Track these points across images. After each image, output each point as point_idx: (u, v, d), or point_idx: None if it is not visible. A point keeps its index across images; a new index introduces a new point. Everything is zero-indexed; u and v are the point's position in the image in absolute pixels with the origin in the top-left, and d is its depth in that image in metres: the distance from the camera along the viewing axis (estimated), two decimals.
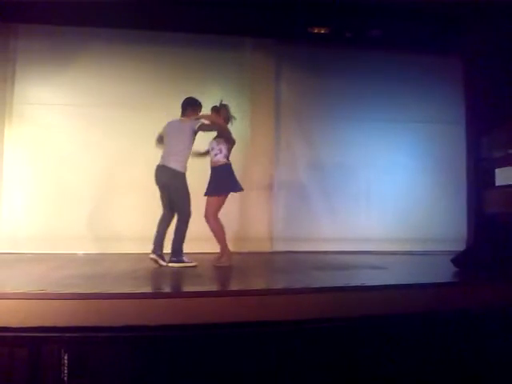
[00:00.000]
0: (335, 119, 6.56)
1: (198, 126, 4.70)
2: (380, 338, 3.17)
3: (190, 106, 4.85)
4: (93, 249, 5.82)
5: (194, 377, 2.92)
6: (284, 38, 6.31)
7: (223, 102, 4.89)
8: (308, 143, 6.56)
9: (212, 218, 4.78)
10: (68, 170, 6.01)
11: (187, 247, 4.76)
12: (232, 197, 5.51)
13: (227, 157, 4.85)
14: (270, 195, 6.48)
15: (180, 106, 4.84)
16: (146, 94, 6.13)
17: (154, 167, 4.73)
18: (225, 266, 4.72)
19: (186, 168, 4.71)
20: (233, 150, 5.18)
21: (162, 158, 4.73)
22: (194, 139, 4.76)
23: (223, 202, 4.81)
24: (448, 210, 6.29)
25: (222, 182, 4.78)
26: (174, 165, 4.65)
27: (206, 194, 4.81)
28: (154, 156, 4.99)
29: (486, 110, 5.11)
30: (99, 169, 5.99)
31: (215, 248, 4.88)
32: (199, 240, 4.99)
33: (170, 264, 4.62)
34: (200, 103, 4.90)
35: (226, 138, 4.82)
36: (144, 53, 6.11)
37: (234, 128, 6.20)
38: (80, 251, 5.78)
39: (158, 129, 4.95)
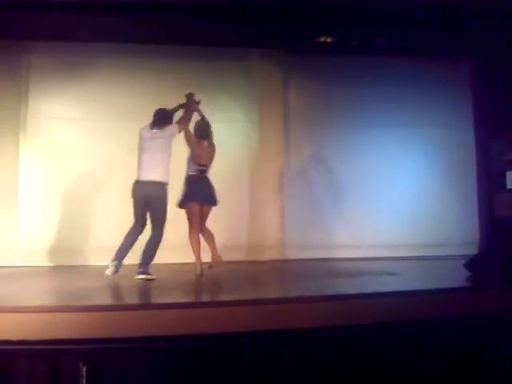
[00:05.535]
0: (344, 126, 6.58)
1: (176, 128, 4.78)
2: (394, 345, 3.18)
3: (169, 119, 4.86)
4: (107, 261, 5.84)
5: None
6: (291, 48, 6.36)
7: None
8: (318, 151, 6.58)
9: None
10: (83, 183, 6.08)
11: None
12: (243, 205, 5.56)
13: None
14: (280, 203, 6.49)
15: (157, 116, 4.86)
16: (157, 107, 6.15)
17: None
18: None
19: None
20: (242, 158, 5.26)
21: (144, 171, 4.57)
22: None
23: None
24: (459, 214, 6.27)
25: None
26: (160, 177, 4.57)
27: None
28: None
29: (495, 112, 5.10)
30: (113, 182, 6.01)
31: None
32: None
33: (138, 277, 4.33)
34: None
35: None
36: (154, 66, 6.18)
37: (244, 136, 6.27)
38: (94, 263, 5.81)
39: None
